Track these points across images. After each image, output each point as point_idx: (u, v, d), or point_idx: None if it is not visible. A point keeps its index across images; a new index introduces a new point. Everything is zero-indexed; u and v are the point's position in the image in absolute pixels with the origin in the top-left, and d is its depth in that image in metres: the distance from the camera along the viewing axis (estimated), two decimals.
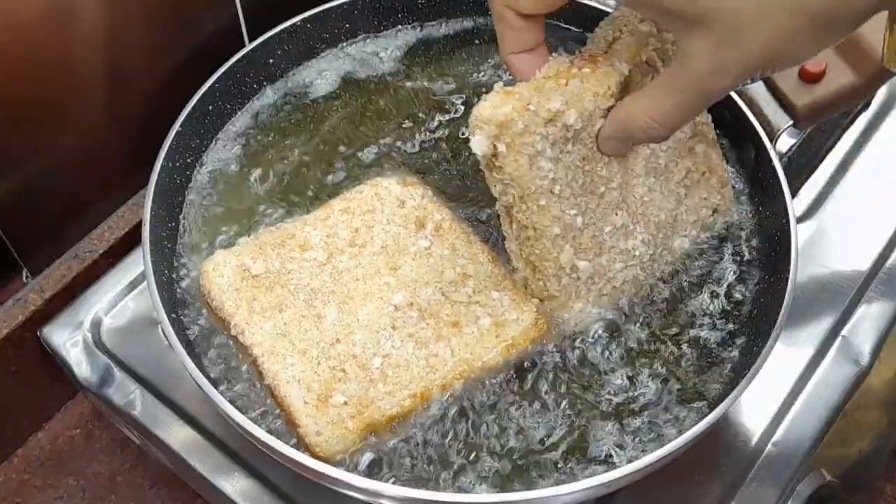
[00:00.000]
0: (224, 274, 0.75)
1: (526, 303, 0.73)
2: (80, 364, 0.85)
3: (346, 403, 0.68)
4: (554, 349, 0.74)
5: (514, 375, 0.72)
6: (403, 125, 0.87)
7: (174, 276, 0.78)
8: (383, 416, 0.69)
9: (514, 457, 0.70)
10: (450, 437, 0.70)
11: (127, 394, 0.83)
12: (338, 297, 0.73)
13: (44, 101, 0.82)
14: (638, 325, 0.75)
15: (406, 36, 0.94)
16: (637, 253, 0.73)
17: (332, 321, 0.72)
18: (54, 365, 0.88)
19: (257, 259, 0.75)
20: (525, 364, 0.73)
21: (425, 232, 0.77)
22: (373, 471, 0.69)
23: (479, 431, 0.71)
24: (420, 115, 0.88)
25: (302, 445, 0.68)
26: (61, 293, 0.90)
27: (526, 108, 0.62)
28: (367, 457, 0.69)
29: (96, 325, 0.87)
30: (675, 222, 0.76)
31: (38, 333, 0.88)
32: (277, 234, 0.77)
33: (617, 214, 0.70)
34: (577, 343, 0.74)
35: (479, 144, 0.64)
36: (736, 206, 0.81)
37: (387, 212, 0.78)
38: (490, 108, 0.62)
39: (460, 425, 0.71)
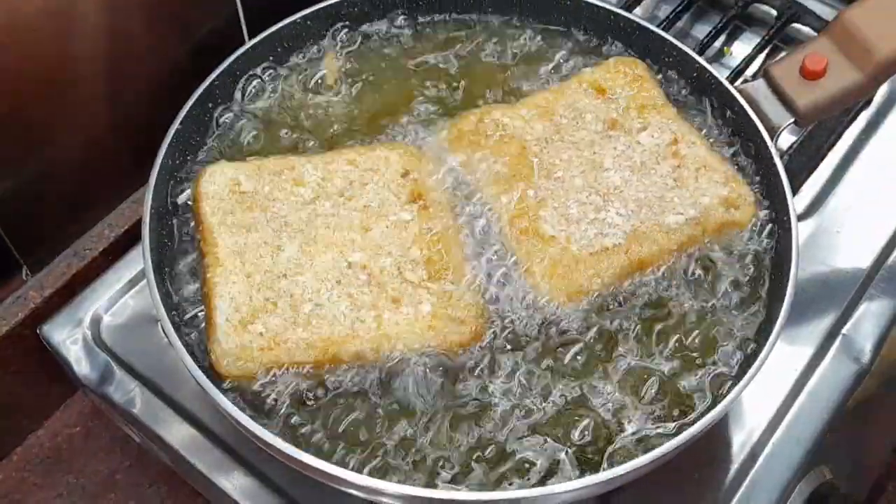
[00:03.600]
0: (216, 182, 0.77)
1: (474, 307, 0.73)
2: (80, 362, 0.86)
3: (261, 335, 0.70)
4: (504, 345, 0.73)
5: (436, 367, 0.72)
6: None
7: (174, 273, 0.78)
8: (290, 360, 0.70)
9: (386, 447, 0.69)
10: (339, 405, 0.70)
11: (127, 391, 0.83)
12: (304, 236, 0.75)
13: (44, 101, 0.82)
14: (627, 320, 0.74)
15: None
16: (614, 222, 0.76)
17: (287, 256, 0.74)
18: (54, 363, 0.88)
19: (251, 178, 0.78)
20: (459, 359, 0.72)
21: (413, 206, 0.77)
22: (254, 409, 0.69)
23: (371, 413, 0.70)
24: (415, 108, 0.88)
25: (208, 357, 0.70)
26: (61, 291, 0.90)
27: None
28: (256, 391, 0.70)
29: (96, 323, 0.87)
30: (664, 203, 0.77)
31: (38, 331, 0.88)
32: (279, 162, 0.80)
33: (584, 194, 0.78)
34: (552, 333, 0.73)
35: None
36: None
37: (387, 175, 0.79)
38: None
39: (357, 398, 0.70)
